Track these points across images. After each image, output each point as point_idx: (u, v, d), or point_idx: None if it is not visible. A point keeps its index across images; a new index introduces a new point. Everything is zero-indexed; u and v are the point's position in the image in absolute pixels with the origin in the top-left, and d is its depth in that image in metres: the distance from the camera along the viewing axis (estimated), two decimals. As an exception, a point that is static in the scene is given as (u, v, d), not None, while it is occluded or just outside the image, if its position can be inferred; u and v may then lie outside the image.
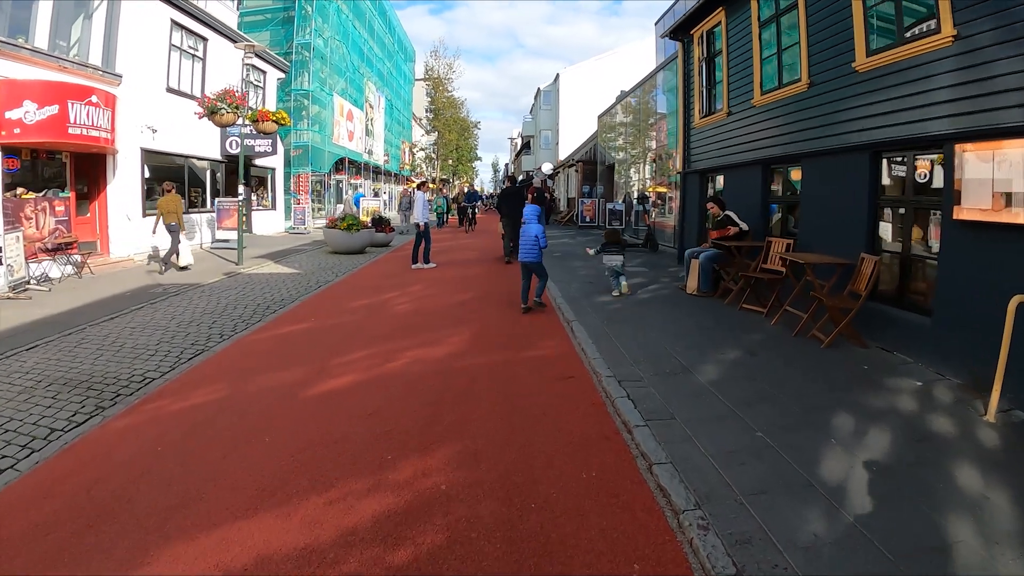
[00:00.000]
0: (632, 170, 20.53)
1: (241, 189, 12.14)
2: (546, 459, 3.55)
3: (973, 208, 4.71)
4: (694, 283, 8.20)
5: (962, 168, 4.79)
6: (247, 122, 11.99)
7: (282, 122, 12.54)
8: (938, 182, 5.33)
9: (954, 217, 4.84)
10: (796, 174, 7.66)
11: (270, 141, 17.07)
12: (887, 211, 5.99)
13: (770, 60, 7.98)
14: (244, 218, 14.50)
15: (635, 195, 17.92)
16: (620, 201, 20.43)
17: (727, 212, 8.13)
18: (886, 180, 5.97)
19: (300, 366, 5.34)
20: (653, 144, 17.84)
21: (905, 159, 5.64)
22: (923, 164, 5.48)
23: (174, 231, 10.87)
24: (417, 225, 11.35)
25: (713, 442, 3.63)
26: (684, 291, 8.44)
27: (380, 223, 15.81)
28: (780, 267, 7.01)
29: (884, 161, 5.91)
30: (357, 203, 20.36)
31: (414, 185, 40.73)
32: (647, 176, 19.02)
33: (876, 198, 5.95)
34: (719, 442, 3.63)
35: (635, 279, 9.84)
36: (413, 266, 11.31)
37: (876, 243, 6.02)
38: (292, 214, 21.05)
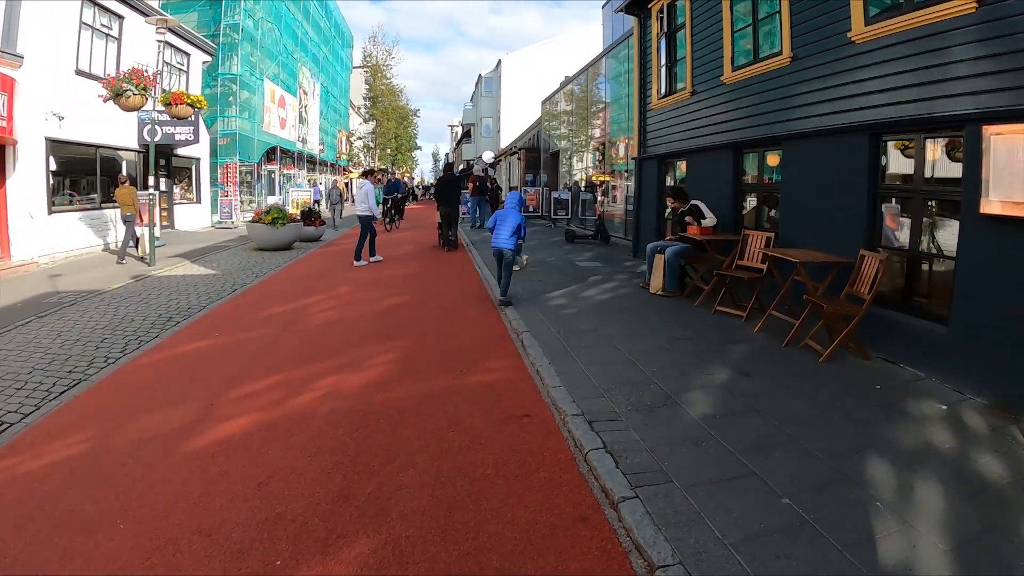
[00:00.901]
0: (575, 159, 19.77)
1: (152, 181, 10.44)
2: (501, 558, 2.44)
3: (1005, 201, 3.94)
4: (659, 282, 7.29)
5: (991, 154, 4.01)
6: (160, 106, 10.87)
7: (198, 105, 11.50)
8: (952, 170, 4.56)
9: (980, 211, 4.06)
10: (773, 159, 6.84)
11: (191, 129, 15.50)
12: (890, 202, 5.20)
13: (744, 33, 7.10)
14: (164, 213, 12.90)
15: (583, 183, 16.97)
16: (565, 189, 19.52)
17: (695, 202, 7.24)
18: (888, 166, 5.18)
19: (187, 403, 4.11)
20: (597, 132, 17.10)
21: (913, 142, 4.84)
22: (934, 148, 4.70)
23: (129, 222, 10.84)
24: (360, 217, 10.50)
25: (732, 522, 2.63)
26: (647, 290, 7.52)
27: (310, 216, 14.52)
28: (760, 264, 6.17)
29: (886, 144, 5.10)
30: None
31: (354, 175, 39.32)
32: (589, 164, 18.31)
33: (876, 186, 5.15)
34: (740, 521, 2.63)
35: (591, 276, 8.87)
36: (356, 263, 10.39)
37: (875, 238, 5.23)
38: (219, 207, 19.31)
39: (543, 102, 23.61)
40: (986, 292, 4.10)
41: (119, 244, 11.22)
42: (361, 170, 39.23)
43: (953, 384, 4.28)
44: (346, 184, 36.39)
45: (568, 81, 20.53)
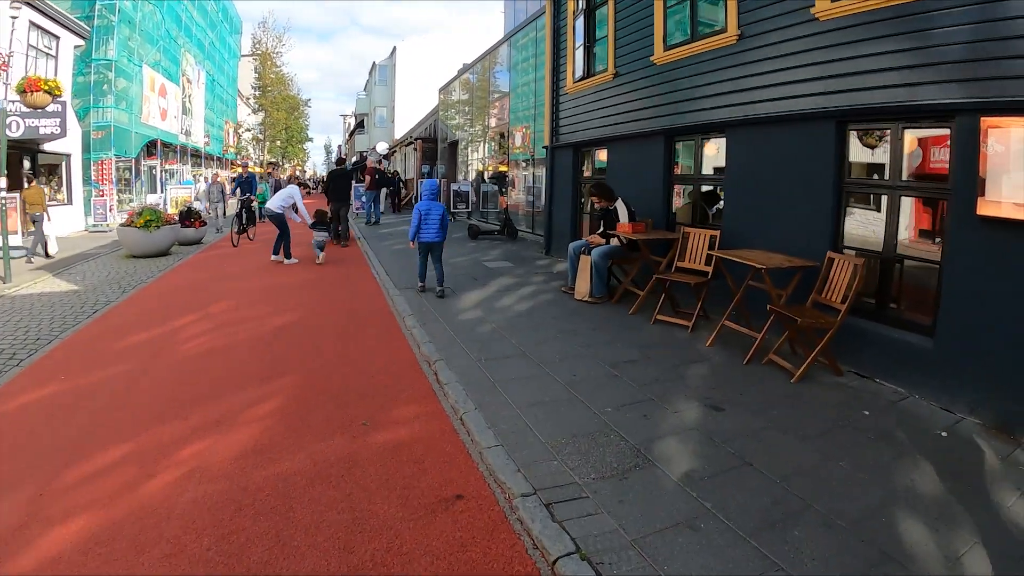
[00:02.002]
0: (471, 149, 18.84)
1: (3, 183, 8.02)
2: None
3: (1007, 202, 3.40)
4: (585, 287, 6.40)
5: (989, 150, 3.46)
6: (15, 94, 10.01)
7: (56, 92, 10.69)
8: (937, 165, 4.02)
9: (977, 212, 3.50)
10: (711, 148, 6.18)
11: (58, 120, 12.98)
12: (855, 199, 4.63)
13: (678, 9, 6.36)
14: (27, 217, 10.74)
15: (487, 174, 15.88)
16: (466, 181, 18.42)
17: (618, 204, 6.42)
18: (858, 158, 4.59)
19: (7, 496, 2.72)
20: (494, 121, 16.29)
21: (888, 133, 4.26)
22: (913, 141, 4.14)
23: (38, 221, 10.45)
24: (274, 216, 9.69)
25: None
26: (571, 296, 6.61)
27: (188, 217, 12.67)
28: (704, 267, 5.46)
29: (857, 134, 4.51)
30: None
31: (239, 169, 35.92)
32: (487, 155, 17.49)
33: (842, 181, 4.55)
34: None
35: (504, 279, 7.83)
36: (287, 261, 9.69)
37: (840, 239, 4.64)
38: (92, 209, 16.46)
39: (440, 90, 22.38)
40: (980, 301, 3.58)
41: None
42: (242, 164, 36.45)
43: (941, 402, 3.76)
44: (233, 179, 33.29)
45: (466, 68, 19.50)
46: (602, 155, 8.49)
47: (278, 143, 42.17)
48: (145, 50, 19.75)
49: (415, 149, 24.54)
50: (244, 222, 12.76)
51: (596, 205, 6.58)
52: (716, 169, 6.16)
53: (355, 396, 3.90)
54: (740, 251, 4.92)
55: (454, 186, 17.58)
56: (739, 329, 4.82)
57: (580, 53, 8.61)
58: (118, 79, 17.71)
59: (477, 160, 18.41)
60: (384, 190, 17.40)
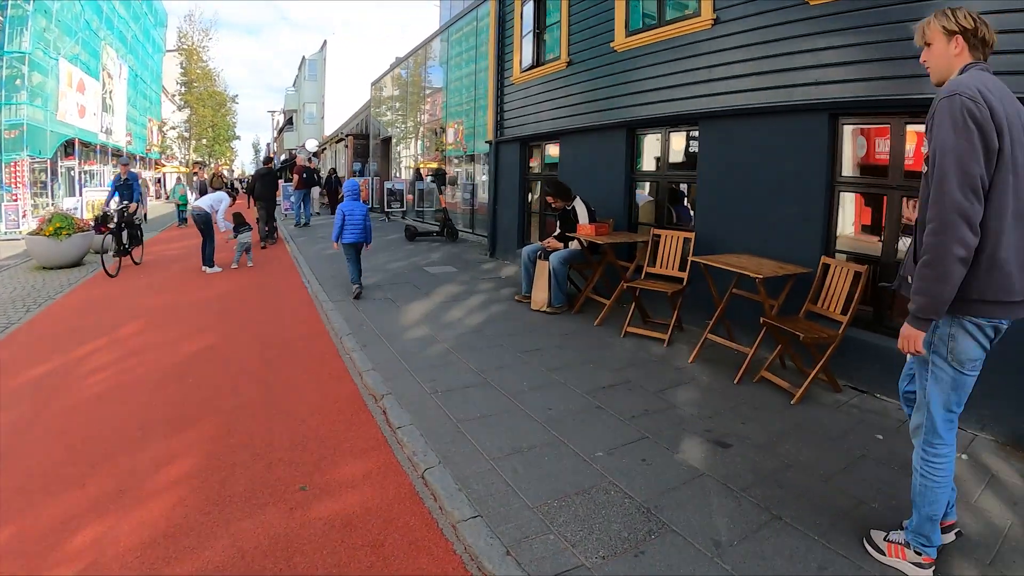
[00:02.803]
0: (403, 145, 18.05)
1: None
2: None
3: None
4: (543, 295, 5.79)
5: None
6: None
7: None
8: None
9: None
10: (679, 141, 5.73)
11: None
12: (850, 198, 4.26)
13: (640, -11, 5.89)
14: None
15: (427, 171, 14.97)
16: (400, 179, 17.50)
17: (576, 203, 5.87)
18: (852, 154, 4.21)
19: None
20: (426, 117, 15.65)
21: (889, 127, 3.89)
22: (914, 136, 3.79)
23: None
24: (202, 215, 8.59)
25: None
26: (527, 305, 5.99)
27: (104, 222, 10.90)
28: (678, 272, 4.98)
29: (845, 129, 4.13)
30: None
31: (163, 170, 33.39)
32: (419, 152, 16.84)
33: (834, 178, 4.17)
34: None
35: (449, 286, 7.10)
36: (208, 269, 8.69)
37: (833, 242, 4.26)
38: (3, 215, 15.05)
39: (373, 84, 21.43)
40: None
41: None
42: (164, 162, 33.91)
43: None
44: (157, 180, 30.79)
45: (400, 62, 18.77)
46: (553, 150, 7.93)
47: (204, 141, 40.23)
48: (62, 42, 18.13)
49: (346, 146, 23.38)
50: (126, 242, 9.03)
51: (552, 205, 5.98)
52: (685, 164, 5.72)
53: (285, 449, 3.09)
54: (726, 257, 4.46)
55: (388, 184, 16.60)
56: (724, 343, 4.37)
57: (528, 41, 8.01)
58: (32, 73, 16.22)
59: (410, 157, 17.62)
60: (316, 189, 16.27)
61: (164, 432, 3.32)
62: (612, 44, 6.14)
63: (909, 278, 2.04)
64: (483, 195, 12.07)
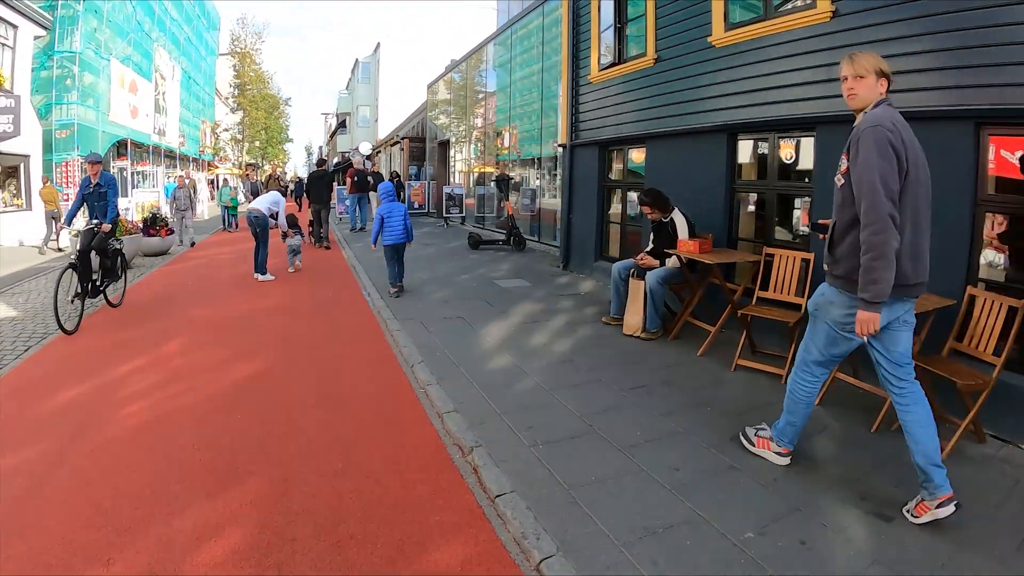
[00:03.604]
0: (455, 149, 18.03)
1: None
2: None
3: None
4: (638, 319, 5.37)
5: None
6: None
7: None
8: None
9: None
10: (787, 148, 5.19)
11: (11, 118, 12.42)
12: (996, 219, 3.67)
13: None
14: None
15: (494, 175, 14.67)
16: (459, 184, 17.38)
17: (675, 215, 5.41)
18: (996, 168, 3.62)
19: None
20: (481, 121, 15.67)
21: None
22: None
23: (53, 218, 12.10)
24: (259, 218, 8.42)
25: None
26: (617, 328, 5.59)
27: (154, 225, 11.30)
28: (796, 298, 4.48)
29: (991, 140, 3.55)
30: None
31: (219, 170, 34.88)
32: (472, 156, 16.80)
33: (978, 197, 3.59)
34: None
35: (526, 304, 6.77)
36: (261, 277, 8.50)
37: (976, 269, 3.69)
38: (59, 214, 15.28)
39: (429, 85, 21.39)
40: None
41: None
42: (215, 165, 35.19)
43: None
44: (210, 182, 31.79)
45: (456, 64, 18.64)
46: (637, 155, 7.48)
47: (257, 144, 41.58)
48: (114, 43, 18.56)
49: (402, 149, 23.41)
50: (97, 274, 6.47)
51: (648, 216, 5.55)
52: (798, 174, 5.18)
53: (358, 520, 2.66)
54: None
55: (446, 189, 16.50)
56: (853, 382, 3.87)
57: (608, 36, 7.59)
58: (83, 73, 16.58)
59: (463, 161, 17.55)
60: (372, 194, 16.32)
61: (208, 488, 2.91)
62: (709, 39, 5.65)
63: (826, 266, 2.78)
64: (547, 200, 11.75)
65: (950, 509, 2.48)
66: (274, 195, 9.05)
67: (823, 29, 4.55)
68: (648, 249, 5.64)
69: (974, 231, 3.67)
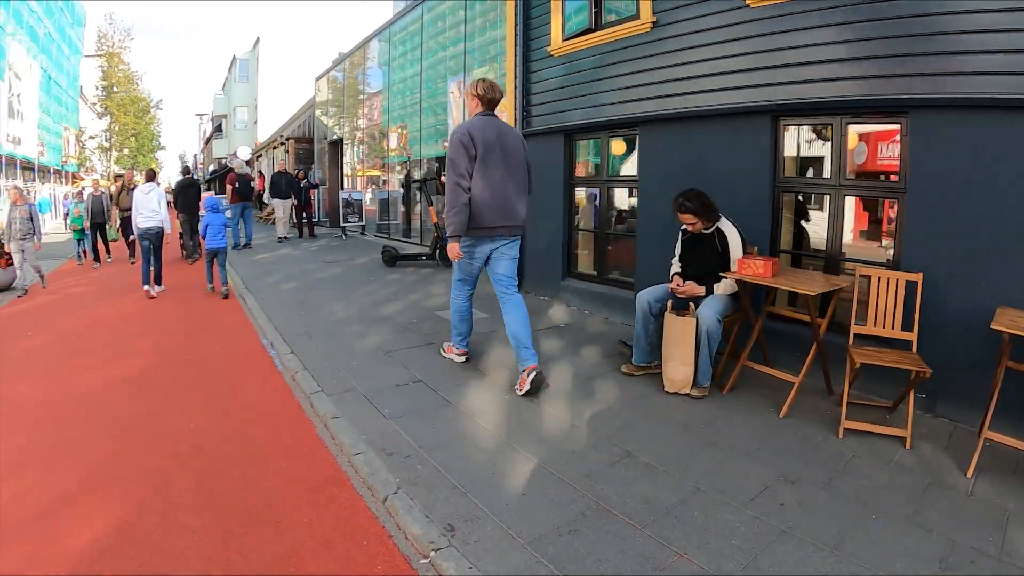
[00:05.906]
0: (351, 147, 16.86)
1: None
2: None
3: None
4: (687, 371, 4.12)
5: None
6: None
7: None
8: None
9: None
10: (853, 137, 4.26)
11: None
12: None
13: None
14: None
15: (415, 175, 12.69)
16: (356, 189, 15.68)
17: (724, 225, 4.30)
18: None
19: None
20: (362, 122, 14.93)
21: None
22: None
23: None
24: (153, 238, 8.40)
25: None
26: (650, 384, 4.38)
27: None
28: (902, 333, 3.54)
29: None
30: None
31: (85, 182, 30.47)
32: (355, 158, 16.29)
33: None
34: None
35: (493, 349, 5.30)
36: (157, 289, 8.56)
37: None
38: None
39: (317, 79, 20.11)
40: None
41: None
42: (83, 174, 31.22)
43: None
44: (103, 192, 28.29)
45: (343, 57, 17.46)
46: (618, 146, 6.34)
47: (127, 151, 39.62)
48: None
49: (287, 151, 21.73)
50: None
51: (689, 228, 4.37)
52: (876, 171, 4.27)
53: None
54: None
55: (343, 194, 14.73)
56: (1010, 443, 3.01)
57: (577, -4, 6.39)
58: None
59: (348, 163, 16.58)
60: (289, 202, 14.51)
61: None
62: (739, -6, 4.63)
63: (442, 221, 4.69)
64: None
65: (535, 375, 4.05)
66: (154, 194, 8.66)
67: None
68: (677, 270, 4.50)
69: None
